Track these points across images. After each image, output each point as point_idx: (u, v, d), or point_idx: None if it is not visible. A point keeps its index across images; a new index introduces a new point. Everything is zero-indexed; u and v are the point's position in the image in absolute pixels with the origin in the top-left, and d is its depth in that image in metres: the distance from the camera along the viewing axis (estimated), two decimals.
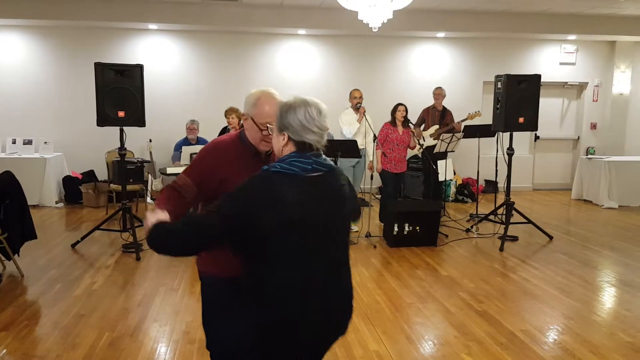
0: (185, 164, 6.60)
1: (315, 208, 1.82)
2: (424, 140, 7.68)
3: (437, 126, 7.79)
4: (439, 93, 7.96)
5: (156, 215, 1.92)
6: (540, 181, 10.38)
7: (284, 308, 1.81)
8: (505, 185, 6.50)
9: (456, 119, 7.83)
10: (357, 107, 6.88)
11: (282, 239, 1.77)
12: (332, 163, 1.92)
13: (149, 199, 8.30)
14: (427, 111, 8.01)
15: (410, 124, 6.83)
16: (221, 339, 2.39)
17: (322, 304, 1.85)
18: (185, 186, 2.24)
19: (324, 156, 1.90)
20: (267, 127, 2.19)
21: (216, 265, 2.28)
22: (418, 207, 6.33)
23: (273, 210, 1.74)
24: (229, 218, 1.76)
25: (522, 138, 9.63)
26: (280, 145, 1.88)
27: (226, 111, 7.01)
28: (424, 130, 7.93)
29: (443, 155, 7.26)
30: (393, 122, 6.71)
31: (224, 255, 2.23)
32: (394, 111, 6.71)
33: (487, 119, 7.54)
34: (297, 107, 1.84)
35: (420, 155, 7.31)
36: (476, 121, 7.93)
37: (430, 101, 8.19)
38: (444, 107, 7.97)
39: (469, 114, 7.62)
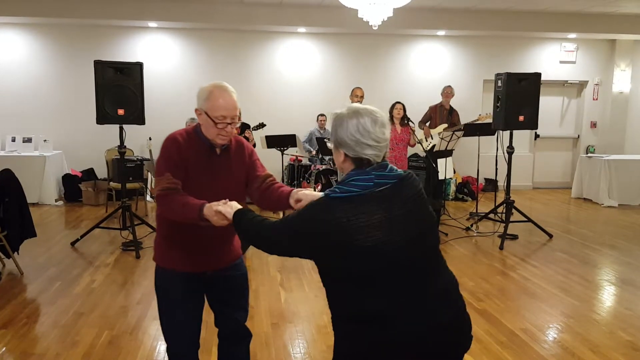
0: None
1: (388, 227, 1.66)
2: (432, 138, 7.66)
3: (445, 125, 7.77)
4: (449, 92, 7.93)
5: (230, 207, 1.99)
6: (540, 180, 10.37)
7: (370, 336, 1.68)
8: (505, 183, 6.49)
9: (463, 118, 7.81)
10: None
11: (357, 267, 1.64)
12: (400, 171, 1.76)
13: (148, 197, 8.29)
14: (434, 109, 7.99)
15: (410, 122, 6.82)
16: None
17: (415, 329, 1.68)
18: (178, 184, 2.19)
19: (390, 166, 1.75)
20: (223, 120, 2.17)
21: (174, 261, 2.33)
22: None
23: (338, 241, 1.62)
24: (295, 245, 1.75)
25: (522, 136, 9.61)
26: (339, 161, 1.76)
27: None
28: (430, 128, 7.92)
29: (448, 153, 7.24)
30: (390, 120, 6.70)
31: (181, 252, 2.30)
32: (391, 110, 6.70)
33: None
34: (349, 119, 1.69)
35: (425, 152, 7.28)
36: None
37: (431, 99, 8.18)
38: (451, 106, 7.96)
39: (480, 115, 7.62)
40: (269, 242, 1.84)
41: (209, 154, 2.28)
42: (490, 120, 7.15)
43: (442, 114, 7.91)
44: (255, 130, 6.94)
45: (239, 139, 2.44)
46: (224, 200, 2.07)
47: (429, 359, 1.72)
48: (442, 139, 7.12)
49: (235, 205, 2.02)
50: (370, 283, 1.66)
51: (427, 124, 7.96)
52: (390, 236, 1.66)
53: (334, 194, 1.67)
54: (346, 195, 1.66)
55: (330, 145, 1.80)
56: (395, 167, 1.77)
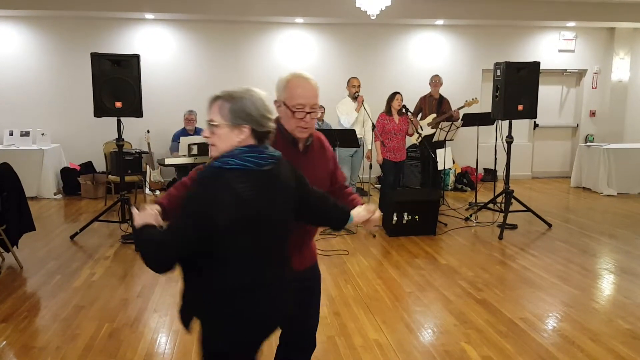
0: (184, 155, 6.57)
1: (270, 204, 1.77)
2: (422, 130, 7.66)
3: (434, 115, 7.77)
4: (437, 81, 7.93)
5: (143, 217, 1.80)
6: (539, 169, 10.37)
7: (234, 304, 1.78)
8: (505, 173, 6.49)
9: (454, 107, 7.81)
10: (355, 96, 6.85)
11: (237, 236, 1.71)
12: (278, 153, 1.85)
13: (147, 190, 8.29)
14: (424, 100, 7.98)
15: (408, 112, 6.81)
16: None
17: (270, 301, 1.84)
18: None
19: (269, 146, 1.84)
20: (302, 109, 2.08)
21: None
22: (417, 196, 6.32)
23: (229, 210, 1.67)
24: (188, 220, 1.69)
25: (521, 126, 9.60)
26: (236, 141, 1.76)
27: None
28: (421, 119, 7.91)
29: (441, 144, 7.26)
30: (388, 111, 6.67)
31: None
32: (390, 100, 6.68)
33: (486, 107, 7.51)
34: (248, 96, 1.76)
35: (417, 144, 7.30)
36: (475, 109, 7.90)
37: (429, 89, 8.16)
38: (440, 95, 7.95)
39: (466, 101, 7.60)
40: (169, 244, 1.71)
41: (291, 151, 2.13)
42: (477, 105, 7.13)
43: (432, 104, 7.91)
44: None
45: (320, 136, 2.32)
46: (158, 207, 1.89)
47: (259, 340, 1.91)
48: (441, 129, 7.11)
49: (153, 217, 1.82)
50: (242, 258, 1.75)
51: (419, 115, 7.95)
52: (266, 215, 1.76)
53: (227, 165, 1.71)
54: (243, 168, 1.72)
55: (205, 133, 1.80)
56: (272, 148, 1.85)
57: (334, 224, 2.18)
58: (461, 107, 7.60)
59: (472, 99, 7.63)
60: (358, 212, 2.16)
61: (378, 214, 2.19)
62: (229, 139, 1.76)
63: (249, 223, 1.71)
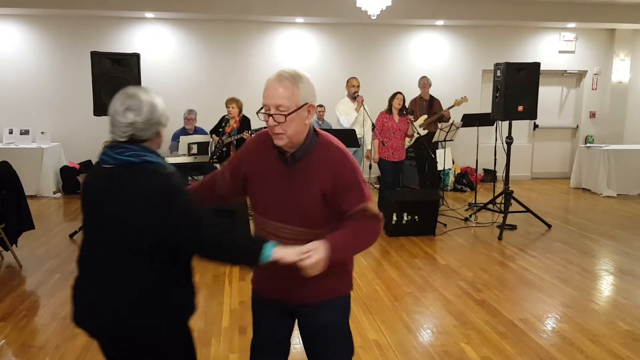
0: (183, 154, 6.56)
1: (92, 201, 1.87)
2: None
3: (426, 116, 7.77)
4: (425, 82, 7.95)
5: None
6: (539, 170, 10.37)
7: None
8: (504, 174, 6.49)
9: (445, 107, 7.81)
10: (354, 96, 6.84)
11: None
12: (132, 159, 1.76)
13: None
14: (414, 102, 7.98)
15: (410, 114, 6.81)
16: None
17: (81, 296, 1.90)
18: (221, 174, 2.10)
19: (123, 149, 1.79)
20: (267, 112, 1.84)
21: (255, 282, 2.12)
22: (416, 196, 6.32)
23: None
24: None
25: (521, 127, 9.59)
26: None
27: (227, 100, 6.96)
28: (413, 121, 7.92)
29: (436, 145, 7.26)
30: (389, 110, 6.67)
31: (261, 273, 2.03)
32: (392, 99, 6.68)
33: (486, 107, 7.51)
34: (116, 98, 1.86)
35: (411, 142, 7.32)
36: (475, 109, 7.89)
37: (430, 89, 8.16)
38: (430, 96, 7.95)
39: (456, 100, 7.62)
40: None
41: (274, 162, 1.91)
42: (472, 105, 7.10)
43: (422, 105, 7.91)
44: (254, 133, 6.91)
45: (329, 145, 1.98)
46: None
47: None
48: (440, 129, 7.12)
49: None
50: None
51: (411, 117, 7.96)
52: (89, 212, 1.88)
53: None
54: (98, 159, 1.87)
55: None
56: (128, 152, 1.79)
57: (232, 259, 1.82)
58: (451, 107, 7.62)
59: (462, 97, 7.63)
60: (288, 251, 1.73)
61: (315, 257, 1.71)
62: None
63: (82, 210, 1.91)
